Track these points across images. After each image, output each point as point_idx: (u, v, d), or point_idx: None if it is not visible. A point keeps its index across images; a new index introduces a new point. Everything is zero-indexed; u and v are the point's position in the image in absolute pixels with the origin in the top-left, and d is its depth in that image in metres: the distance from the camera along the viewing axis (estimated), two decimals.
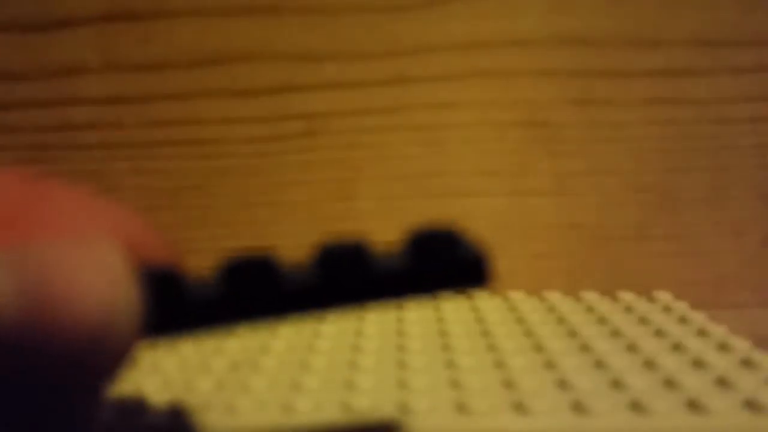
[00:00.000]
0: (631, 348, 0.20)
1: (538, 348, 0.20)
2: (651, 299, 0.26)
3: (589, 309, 0.25)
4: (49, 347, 0.09)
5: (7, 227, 0.10)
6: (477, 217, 0.28)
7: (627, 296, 0.26)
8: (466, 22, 0.27)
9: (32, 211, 0.11)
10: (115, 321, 0.09)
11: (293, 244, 0.28)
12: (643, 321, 0.23)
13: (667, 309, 0.25)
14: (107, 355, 0.09)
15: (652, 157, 0.28)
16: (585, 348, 0.20)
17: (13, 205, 0.11)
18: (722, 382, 0.18)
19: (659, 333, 0.22)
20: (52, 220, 0.11)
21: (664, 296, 0.26)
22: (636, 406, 0.16)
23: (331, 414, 0.16)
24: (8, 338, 0.08)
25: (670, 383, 0.18)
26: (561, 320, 0.23)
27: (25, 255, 0.09)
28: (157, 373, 0.19)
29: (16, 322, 0.08)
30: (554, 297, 0.26)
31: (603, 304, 0.25)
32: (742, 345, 0.20)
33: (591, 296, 0.26)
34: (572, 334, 0.22)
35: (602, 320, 0.23)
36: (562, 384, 0.18)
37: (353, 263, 0.11)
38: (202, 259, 0.30)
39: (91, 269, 0.09)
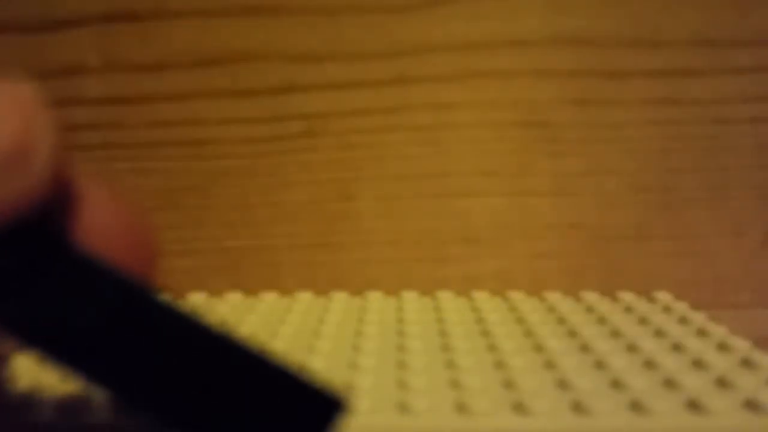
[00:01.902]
0: (631, 348, 0.20)
1: (538, 348, 0.20)
2: (651, 299, 0.26)
3: (589, 309, 0.25)
4: None
5: None
6: (477, 217, 0.28)
7: (627, 296, 0.26)
8: (466, 22, 0.27)
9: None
10: (28, 151, 0.10)
11: (293, 244, 0.28)
12: (643, 321, 0.23)
13: (667, 309, 0.25)
14: (20, 185, 0.10)
15: (652, 157, 0.28)
16: (585, 348, 0.20)
17: None
18: (722, 382, 0.18)
19: (659, 333, 0.22)
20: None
21: (664, 296, 0.26)
22: (636, 406, 0.16)
23: None
24: None
25: (670, 383, 0.18)
26: (561, 320, 0.23)
27: None
28: None
29: None
30: (554, 297, 0.26)
31: (603, 304, 0.25)
32: (742, 345, 0.20)
33: (591, 296, 0.26)
34: (572, 334, 0.22)
35: (602, 320, 0.23)
36: (562, 384, 0.18)
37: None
38: (202, 259, 0.30)
39: (3, 104, 0.10)
